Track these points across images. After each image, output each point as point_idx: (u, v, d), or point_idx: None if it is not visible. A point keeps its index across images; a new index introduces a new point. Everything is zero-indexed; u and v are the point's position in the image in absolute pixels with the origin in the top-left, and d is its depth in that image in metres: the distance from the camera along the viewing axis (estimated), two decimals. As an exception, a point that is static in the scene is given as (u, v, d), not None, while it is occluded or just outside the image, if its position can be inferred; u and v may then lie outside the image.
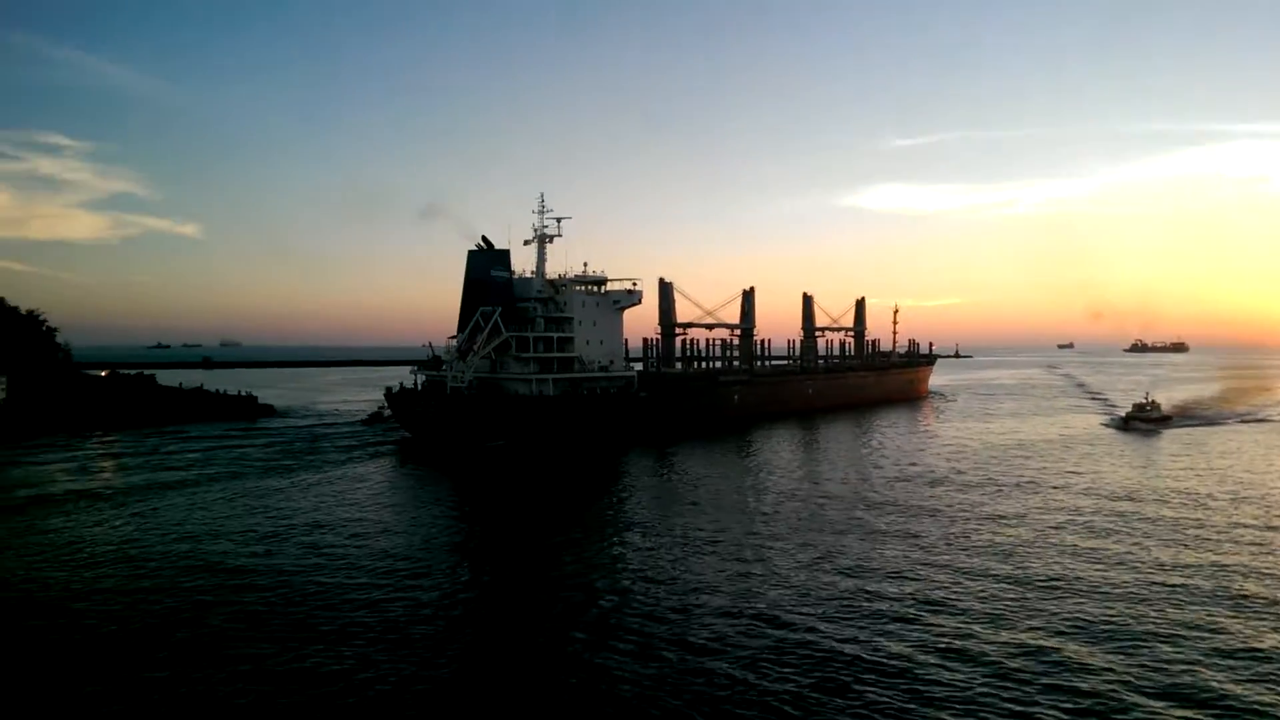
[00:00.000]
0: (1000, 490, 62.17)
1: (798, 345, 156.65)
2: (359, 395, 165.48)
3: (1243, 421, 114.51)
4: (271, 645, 30.65)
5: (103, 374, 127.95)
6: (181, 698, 26.26)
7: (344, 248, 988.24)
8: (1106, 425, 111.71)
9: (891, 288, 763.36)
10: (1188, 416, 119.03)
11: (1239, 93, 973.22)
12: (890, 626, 32.19)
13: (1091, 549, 43.92)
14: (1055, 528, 49.22)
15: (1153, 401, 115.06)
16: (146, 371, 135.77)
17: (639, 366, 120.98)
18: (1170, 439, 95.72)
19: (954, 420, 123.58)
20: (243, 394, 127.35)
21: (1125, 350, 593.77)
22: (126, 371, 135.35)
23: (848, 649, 29.64)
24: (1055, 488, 63.04)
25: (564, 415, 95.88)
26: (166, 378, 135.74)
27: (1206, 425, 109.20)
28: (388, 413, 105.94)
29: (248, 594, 36.90)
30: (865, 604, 34.93)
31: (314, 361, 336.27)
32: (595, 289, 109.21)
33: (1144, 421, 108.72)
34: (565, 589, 38.29)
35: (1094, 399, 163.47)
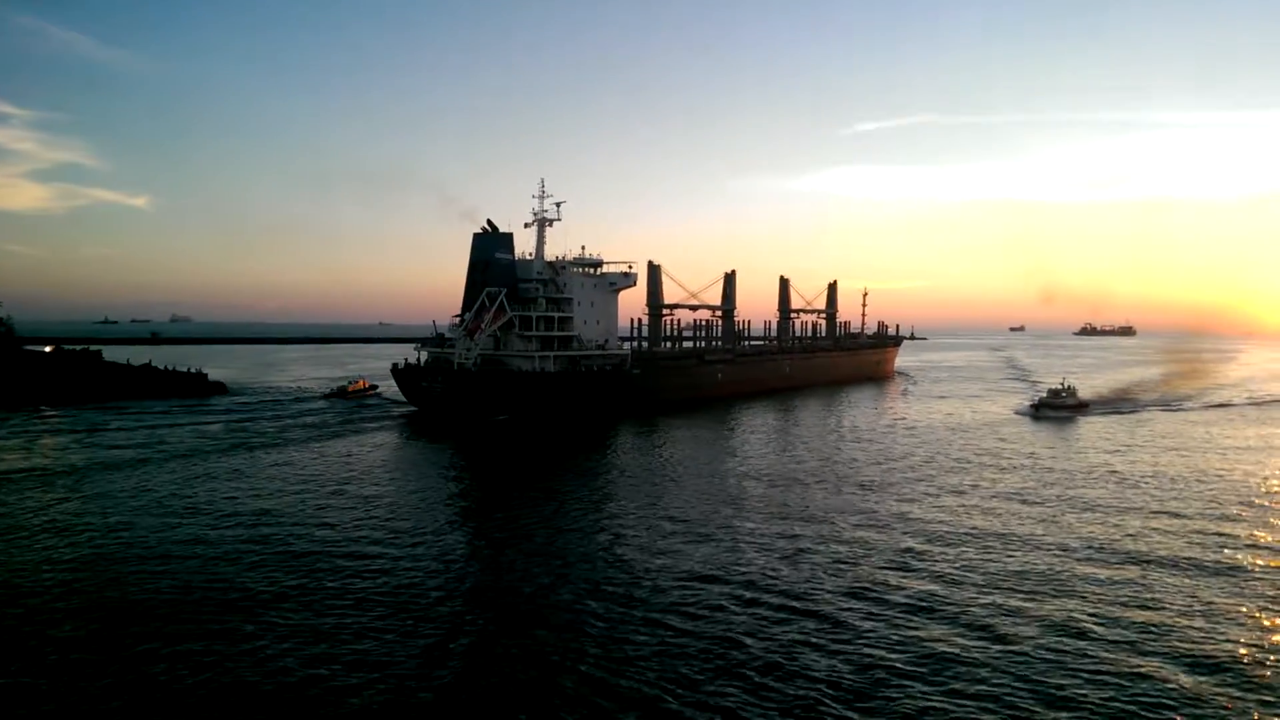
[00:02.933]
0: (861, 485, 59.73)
1: (774, 326, 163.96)
2: (316, 372, 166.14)
3: (1164, 409, 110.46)
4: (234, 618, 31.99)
5: (47, 349, 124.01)
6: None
7: (305, 224, 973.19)
8: (1019, 412, 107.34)
9: (856, 269, 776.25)
10: (1106, 403, 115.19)
11: (1184, 79, 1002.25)
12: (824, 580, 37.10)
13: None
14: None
15: (1069, 387, 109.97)
16: (93, 347, 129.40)
17: (628, 345, 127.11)
18: (1081, 427, 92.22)
19: (902, 402, 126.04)
20: (193, 370, 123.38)
21: (1075, 333, 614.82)
22: (71, 347, 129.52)
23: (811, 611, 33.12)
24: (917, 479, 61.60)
25: (564, 391, 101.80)
26: (114, 354, 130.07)
27: (1123, 413, 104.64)
28: (356, 387, 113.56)
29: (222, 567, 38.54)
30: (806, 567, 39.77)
31: (269, 339, 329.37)
32: (592, 271, 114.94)
33: (1056, 409, 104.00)
34: (560, 560, 40.24)
35: (1023, 381, 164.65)
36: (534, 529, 46.54)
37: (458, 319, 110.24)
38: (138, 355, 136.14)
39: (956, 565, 39.18)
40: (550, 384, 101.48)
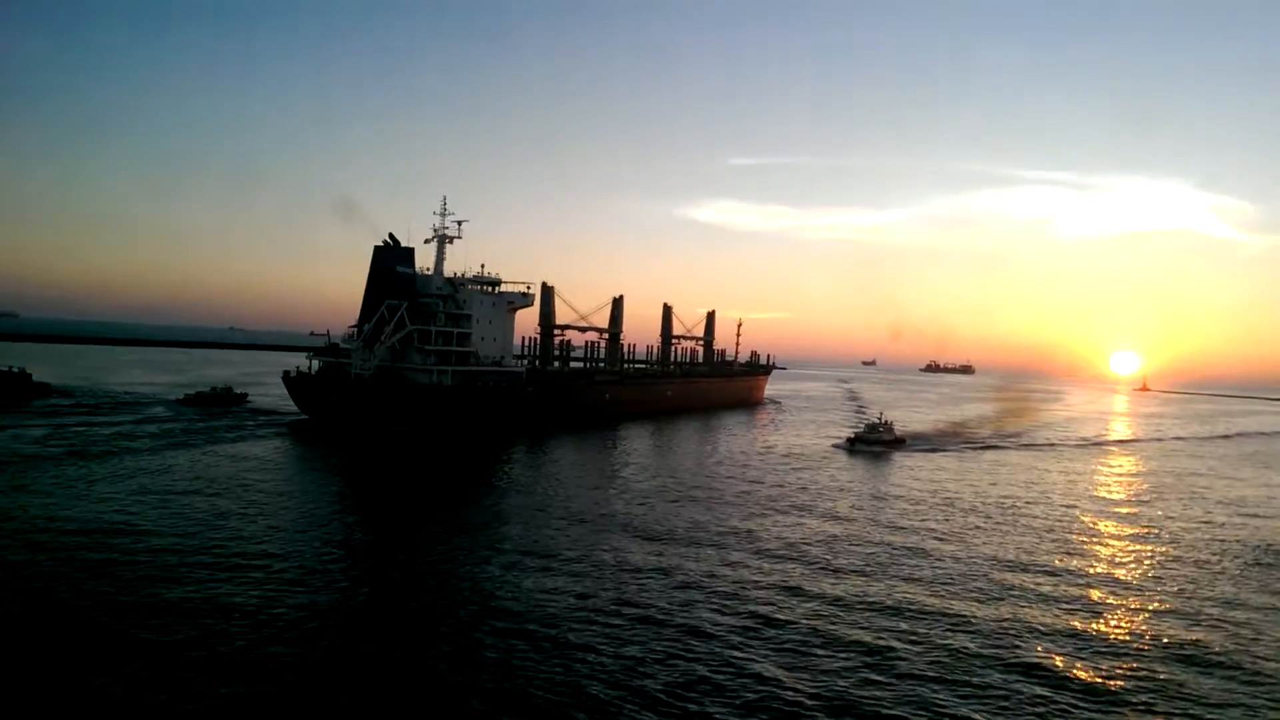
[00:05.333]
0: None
1: (656, 350, 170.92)
2: (159, 377, 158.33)
3: (974, 447, 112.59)
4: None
5: None
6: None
7: (148, 221, 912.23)
8: (836, 445, 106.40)
9: (719, 299, 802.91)
10: (923, 439, 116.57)
11: (1031, 141, 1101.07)
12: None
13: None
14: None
15: (886, 422, 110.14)
16: None
17: (522, 363, 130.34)
18: (890, 463, 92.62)
19: (761, 430, 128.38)
20: (14, 370, 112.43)
21: (921, 370, 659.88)
22: None
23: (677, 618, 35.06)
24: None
25: (460, 405, 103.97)
26: None
27: (937, 451, 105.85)
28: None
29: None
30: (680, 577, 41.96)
31: (106, 339, 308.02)
32: (491, 289, 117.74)
33: (870, 444, 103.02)
34: (448, 575, 40.67)
35: (858, 413, 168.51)
36: (425, 544, 47.27)
37: (353, 329, 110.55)
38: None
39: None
40: (448, 398, 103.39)
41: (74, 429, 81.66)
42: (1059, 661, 32.52)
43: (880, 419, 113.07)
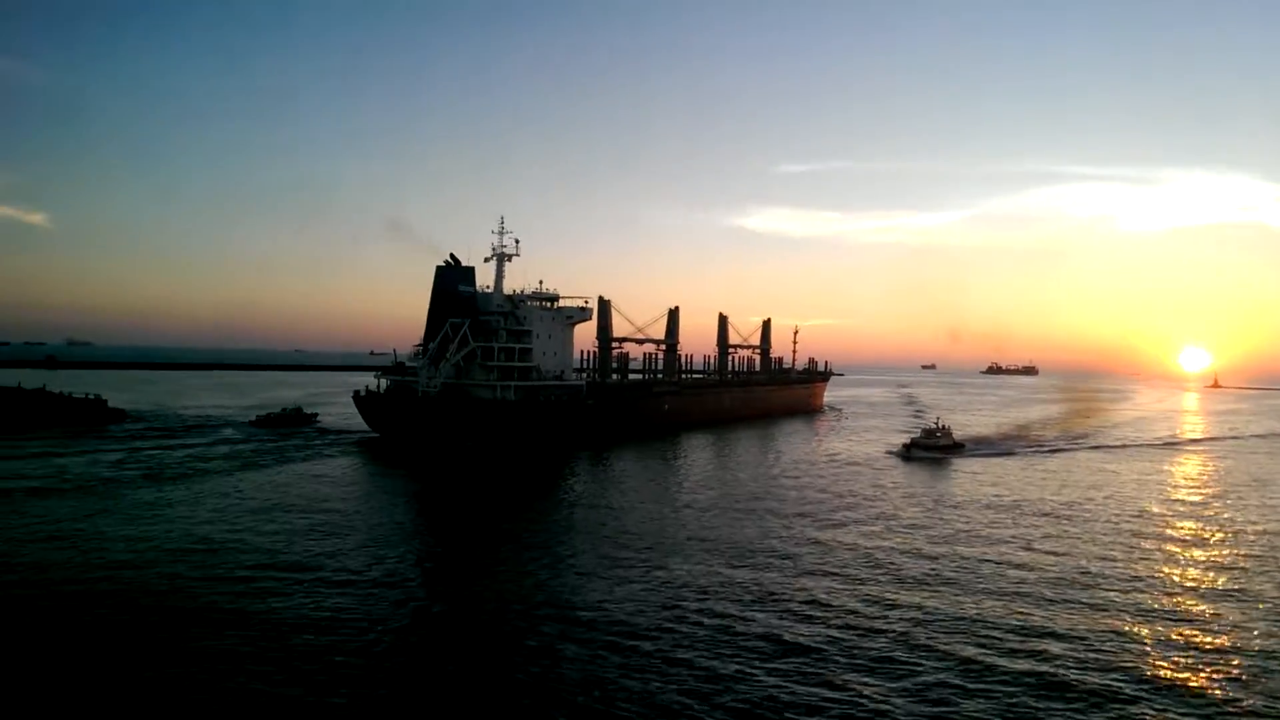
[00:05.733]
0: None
1: (713, 360, 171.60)
2: (229, 400, 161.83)
3: (1040, 451, 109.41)
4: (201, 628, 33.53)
5: None
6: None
7: (216, 248, 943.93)
8: (891, 452, 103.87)
9: (773, 306, 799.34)
10: (984, 444, 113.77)
11: (1086, 137, 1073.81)
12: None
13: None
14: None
15: (943, 427, 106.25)
16: None
17: (581, 377, 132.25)
18: (949, 469, 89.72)
19: (815, 438, 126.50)
20: (90, 396, 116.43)
21: (982, 372, 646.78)
22: None
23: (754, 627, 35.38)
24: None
25: (524, 419, 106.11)
26: (4, 378, 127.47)
27: (999, 455, 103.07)
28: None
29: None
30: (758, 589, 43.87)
31: (176, 364, 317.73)
32: (549, 305, 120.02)
33: (928, 450, 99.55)
34: (522, 589, 40.95)
35: (916, 417, 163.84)
36: (501, 556, 48.89)
37: (419, 348, 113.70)
38: (31, 379, 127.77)
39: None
40: (511, 412, 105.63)
41: (148, 452, 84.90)
42: (1146, 669, 32.00)
43: (937, 423, 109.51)
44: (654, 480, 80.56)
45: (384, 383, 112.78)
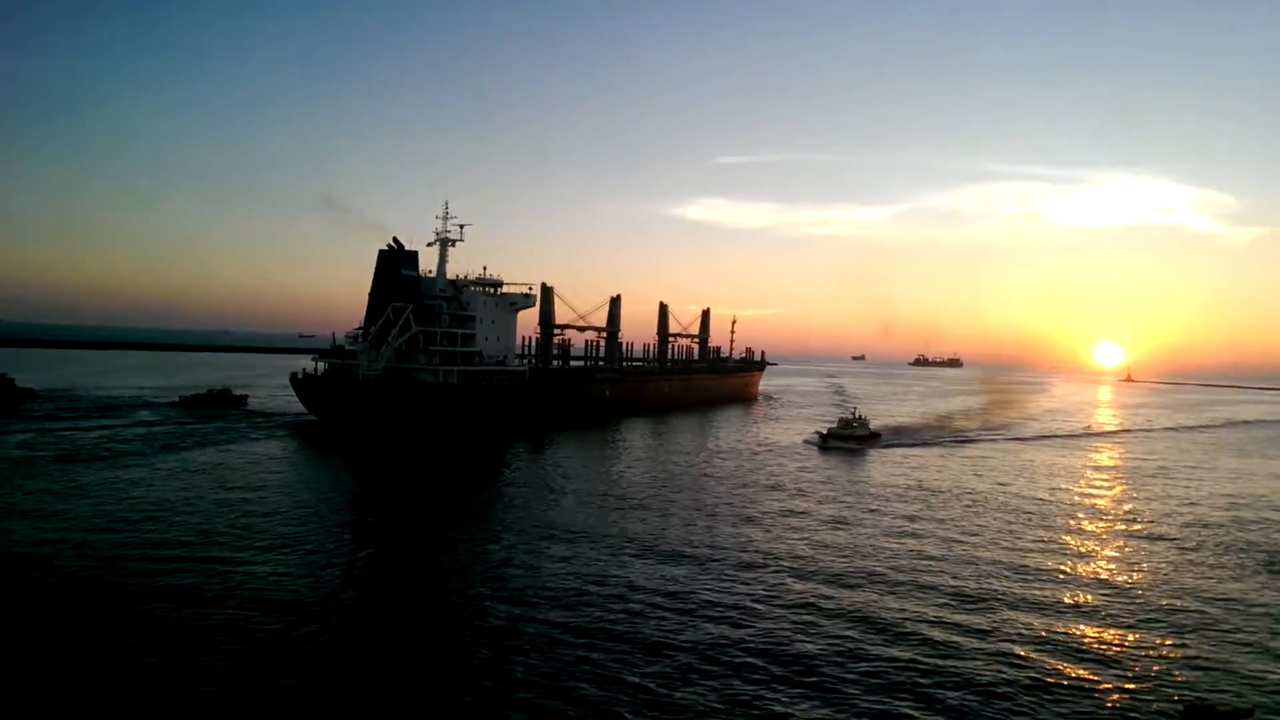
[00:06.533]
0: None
1: (653, 348, 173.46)
2: (145, 381, 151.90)
3: (957, 441, 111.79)
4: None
5: None
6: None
7: (136, 223, 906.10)
8: (808, 441, 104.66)
9: (712, 296, 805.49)
10: (904, 433, 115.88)
11: (1016, 137, 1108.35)
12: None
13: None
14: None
15: (859, 417, 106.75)
16: None
17: (524, 363, 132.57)
18: (863, 460, 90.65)
19: (751, 426, 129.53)
20: None
21: (910, 364, 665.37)
22: None
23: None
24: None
25: (466, 404, 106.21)
26: None
27: (915, 446, 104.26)
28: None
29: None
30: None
31: (92, 343, 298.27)
32: (493, 290, 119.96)
33: (844, 440, 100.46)
34: (458, 573, 41.37)
35: (841, 407, 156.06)
36: (441, 540, 48.84)
37: (358, 331, 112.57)
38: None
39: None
40: (454, 397, 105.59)
41: (60, 433, 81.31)
42: (1037, 654, 32.58)
43: (854, 414, 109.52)
44: (593, 467, 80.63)
45: (322, 366, 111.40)
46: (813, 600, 38.67)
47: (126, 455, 70.92)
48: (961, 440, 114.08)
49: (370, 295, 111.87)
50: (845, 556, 47.28)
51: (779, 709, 27.17)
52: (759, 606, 37.47)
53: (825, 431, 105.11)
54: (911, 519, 58.70)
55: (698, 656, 31.06)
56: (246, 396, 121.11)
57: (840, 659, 31.48)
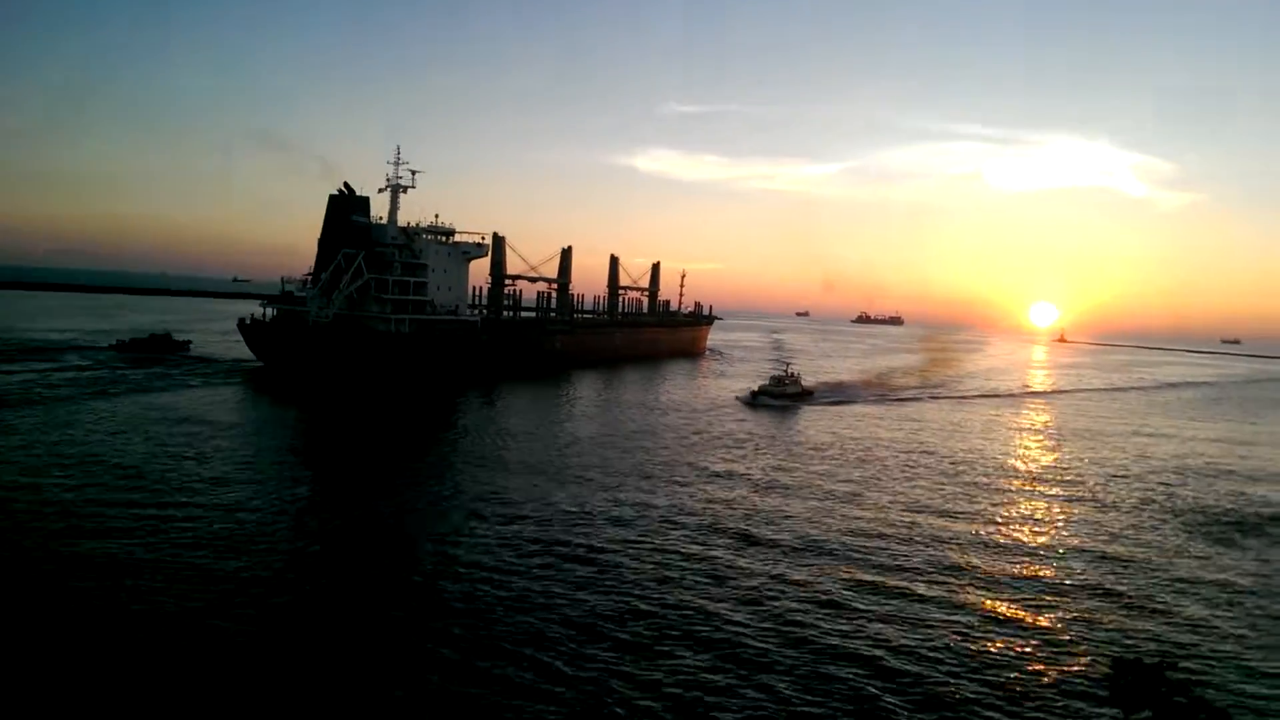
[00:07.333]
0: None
1: (603, 300, 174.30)
2: (74, 323, 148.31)
3: (893, 400, 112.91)
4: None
5: None
6: None
7: (61, 158, 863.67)
8: (739, 398, 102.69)
9: (662, 250, 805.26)
10: (839, 391, 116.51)
11: (963, 97, 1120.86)
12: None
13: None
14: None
15: (792, 375, 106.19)
16: None
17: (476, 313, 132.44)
18: (795, 416, 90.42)
19: (695, 380, 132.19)
20: None
21: (852, 321, 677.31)
22: None
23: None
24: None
25: (418, 353, 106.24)
26: None
27: (847, 403, 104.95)
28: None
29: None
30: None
31: (14, 283, 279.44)
32: (445, 239, 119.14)
33: (776, 397, 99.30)
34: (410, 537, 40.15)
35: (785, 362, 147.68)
36: (384, 493, 48.26)
37: (308, 277, 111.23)
38: None
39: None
40: (405, 345, 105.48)
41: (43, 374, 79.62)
42: (963, 615, 32.77)
43: (786, 370, 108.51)
44: (539, 423, 78.39)
45: (270, 311, 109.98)
46: (705, 563, 37.55)
47: (58, 401, 68.36)
48: (897, 399, 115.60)
49: (320, 241, 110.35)
50: (758, 518, 46.02)
51: (682, 670, 26.85)
52: (663, 566, 36.82)
53: (757, 389, 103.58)
54: (828, 475, 58.41)
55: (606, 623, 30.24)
56: (189, 342, 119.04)
57: (725, 625, 30.45)
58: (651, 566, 36.72)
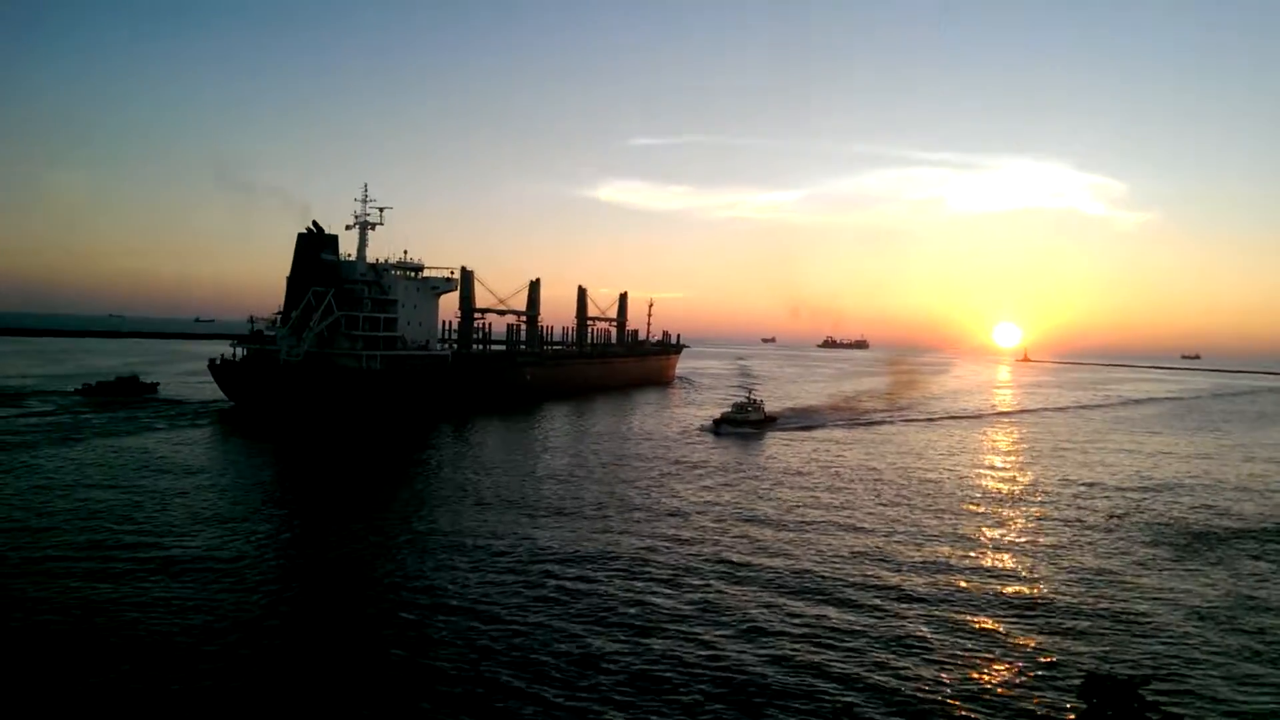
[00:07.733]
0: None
1: (572, 332, 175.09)
2: (32, 368, 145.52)
3: (859, 424, 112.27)
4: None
5: None
6: None
7: (16, 195, 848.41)
8: (702, 428, 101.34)
9: (628, 280, 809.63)
10: (801, 416, 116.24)
11: (921, 124, 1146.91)
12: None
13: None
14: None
15: (755, 401, 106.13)
16: None
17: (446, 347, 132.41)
18: (759, 444, 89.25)
19: (663, 409, 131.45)
20: None
21: (818, 346, 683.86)
22: None
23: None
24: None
25: (389, 389, 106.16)
26: None
27: (812, 429, 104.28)
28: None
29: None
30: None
31: None
32: (414, 274, 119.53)
33: (738, 425, 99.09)
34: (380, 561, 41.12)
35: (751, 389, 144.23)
36: (359, 530, 47.63)
37: (277, 316, 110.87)
38: None
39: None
40: (376, 381, 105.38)
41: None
42: (936, 632, 33.30)
43: (749, 397, 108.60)
44: (509, 455, 78.19)
45: (240, 351, 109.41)
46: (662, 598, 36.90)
47: (26, 448, 67.17)
48: (862, 422, 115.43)
49: (289, 280, 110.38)
50: (725, 545, 46.03)
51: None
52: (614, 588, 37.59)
53: (719, 416, 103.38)
54: (795, 502, 58.48)
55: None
56: (158, 384, 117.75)
57: (674, 662, 29.91)
58: (627, 595, 37.16)
